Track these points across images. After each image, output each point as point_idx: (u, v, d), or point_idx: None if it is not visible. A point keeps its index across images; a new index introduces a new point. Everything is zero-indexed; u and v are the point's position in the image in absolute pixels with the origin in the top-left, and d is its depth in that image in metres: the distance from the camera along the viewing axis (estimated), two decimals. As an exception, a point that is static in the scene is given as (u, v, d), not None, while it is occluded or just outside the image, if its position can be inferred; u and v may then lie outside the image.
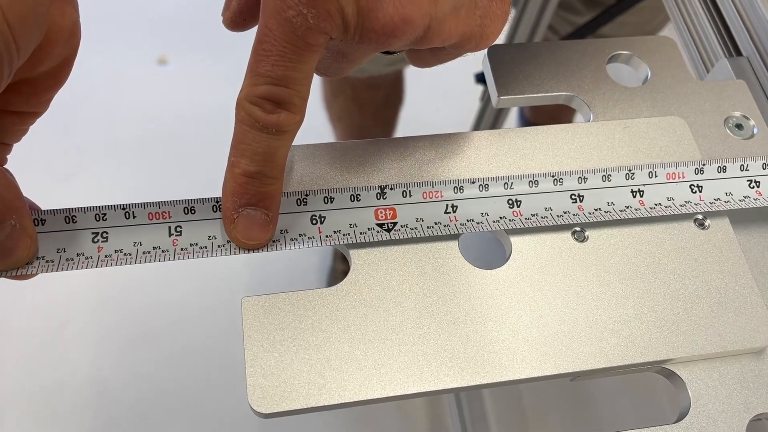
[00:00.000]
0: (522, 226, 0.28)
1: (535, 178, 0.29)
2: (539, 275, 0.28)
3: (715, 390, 0.27)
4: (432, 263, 0.27)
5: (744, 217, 0.30)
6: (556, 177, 0.29)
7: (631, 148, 0.31)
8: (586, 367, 0.26)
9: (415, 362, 0.25)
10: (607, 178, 0.29)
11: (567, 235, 0.28)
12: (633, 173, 0.29)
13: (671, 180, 0.29)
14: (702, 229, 0.29)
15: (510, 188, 0.28)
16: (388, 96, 0.92)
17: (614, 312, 0.27)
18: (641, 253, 0.28)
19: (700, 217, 0.29)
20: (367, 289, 0.27)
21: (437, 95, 1.28)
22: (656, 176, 0.29)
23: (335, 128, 1.00)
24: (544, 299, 0.27)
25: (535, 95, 0.33)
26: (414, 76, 0.97)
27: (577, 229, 0.29)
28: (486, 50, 0.34)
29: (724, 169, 0.30)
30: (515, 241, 0.28)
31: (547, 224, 0.28)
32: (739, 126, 0.33)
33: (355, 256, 0.27)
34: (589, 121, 0.33)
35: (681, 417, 0.26)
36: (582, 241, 0.28)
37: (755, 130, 0.33)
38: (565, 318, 0.27)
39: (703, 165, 0.30)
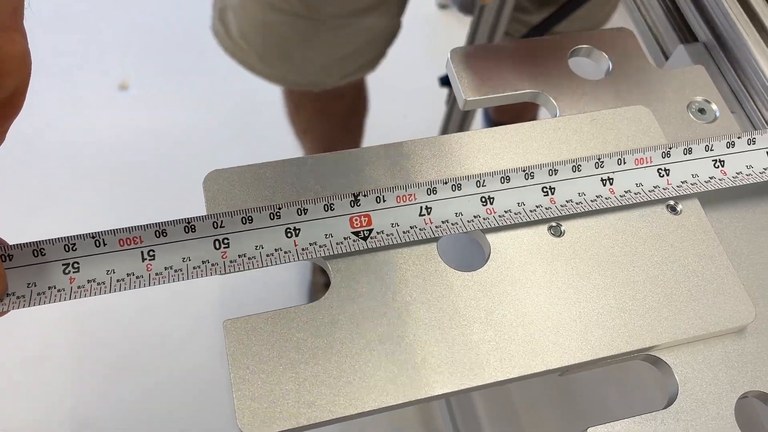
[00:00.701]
0: (496, 225, 0.28)
1: (506, 174, 0.29)
2: (520, 274, 0.28)
3: (701, 372, 0.27)
4: (412, 270, 0.27)
5: (714, 199, 0.31)
6: (527, 171, 0.29)
7: (600, 140, 0.31)
8: (573, 361, 0.26)
9: (404, 371, 0.25)
10: (577, 168, 0.29)
11: (544, 232, 0.29)
12: (602, 161, 0.29)
13: (640, 165, 0.30)
14: (674, 214, 0.30)
15: (482, 186, 0.28)
16: (352, 104, 0.92)
17: (596, 304, 0.27)
18: (618, 243, 0.29)
19: (671, 202, 0.30)
20: (350, 302, 0.26)
21: (403, 100, 1.28)
22: (625, 163, 0.30)
23: (302, 141, 0.99)
24: (527, 297, 0.27)
25: (502, 94, 0.33)
26: (378, 83, 0.97)
27: (553, 224, 0.29)
28: (449, 53, 0.34)
29: (689, 151, 0.30)
30: (493, 241, 0.28)
31: (520, 221, 0.28)
32: (701, 110, 0.34)
33: (335, 270, 0.27)
34: (555, 116, 0.33)
35: (670, 402, 0.26)
36: (559, 236, 0.29)
37: (717, 114, 0.34)
38: (549, 314, 0.27)
39: (670, 148, 0.30)
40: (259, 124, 1.25)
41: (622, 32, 0.36)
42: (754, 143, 0.30)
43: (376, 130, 1.05)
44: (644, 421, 0.26)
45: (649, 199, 0.29)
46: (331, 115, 0.91)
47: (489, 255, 0.28)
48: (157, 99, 1.29)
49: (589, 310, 0.27)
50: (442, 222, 0.28)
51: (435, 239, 0.28)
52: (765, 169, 0.30)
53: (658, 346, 0.27)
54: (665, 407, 0.26)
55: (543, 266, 0.28)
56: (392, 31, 0.73)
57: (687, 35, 0.40)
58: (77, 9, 1.38)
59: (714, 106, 0.34)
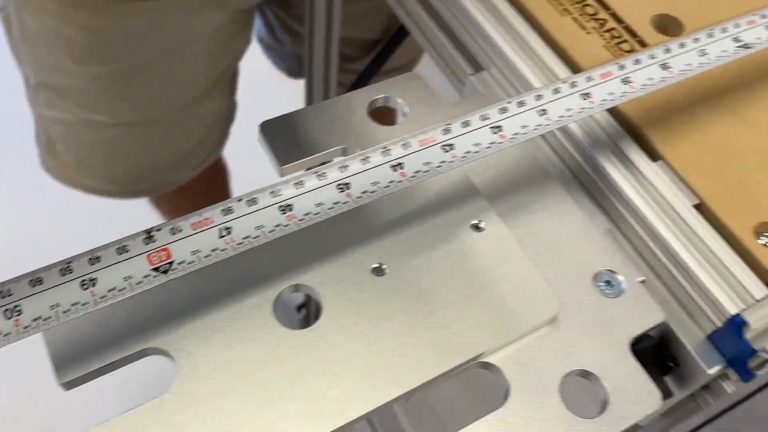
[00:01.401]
0: (297, 229, 0.29)
1: (299, 179, 0.30)
2: (353, 318, 0.30)
3: (525, 366, 0.30)
4: (254, 341, 0.29)
5: (511, 210, 0.35)
6: (318, 172, 0.30)
7: (405, 191, 0.34)
8: (411, 386, 0.28)
9: None
10: (366, 160, 0.30)
11: (367, 274, 0.31)
12: (389, 149, 0.31)
13: (424, 146, 0.31)
14: (478, 231, 0.33)
15: (278, 195, 0.29)
16: (211, 174, 0.92)
17: (424, 329, 0.30)
18: (435, 271, 0.32)
19: (475, 221, 0.34)
20: (203, 388, 0.28)
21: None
22: (411, 146, 0.31)
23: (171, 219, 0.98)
24: (363, 337, 0.30)
25: (313, 156, 0.36)
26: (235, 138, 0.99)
27: (375, 265, 0.32)
28: (258, 127, 0.37)
29: (467, 123, 0.32)
30: (323, 293, 0.31)
31: (320, 220, 0.29)
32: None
33: (180, 359, 0.28)
34: (365, 166, 0.36)
35: (505, 399, 0.30)
36: (381, 275, 0.31)
37: (505, 132, 0.38)
38: (383, 348, 0.29)
39: (449, 124, 0.32)
40: (132, 207, 1.22)
41: (411, 77, 0.40)
42: (524, 105, 0.33)
43: (242, 179, 1.05)
44: (486, 422, 0.29)
45: (438, 173, 0.31)
46: (193, 192, 0.91)
47: (322, 309, 0.30)
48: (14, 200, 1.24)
49: (420, 336, 0.30)
50: (244, 238, 0.28)
51: (271, 302, 0.30)
52: (538, 125, 0.33)
53: (484, 352, 0.30)
54: (502, 405, 0.30)
55: (372, 308, 0.31)
56: (230, 112, 0.75)
57: (474, 65, 0.45)
58: None
59: (501, 127, 0.38)
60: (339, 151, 0.37)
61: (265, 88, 1.42)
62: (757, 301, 0.33)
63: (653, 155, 0.37)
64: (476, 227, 0.33)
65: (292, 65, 0.85)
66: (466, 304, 0.31)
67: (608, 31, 0.43)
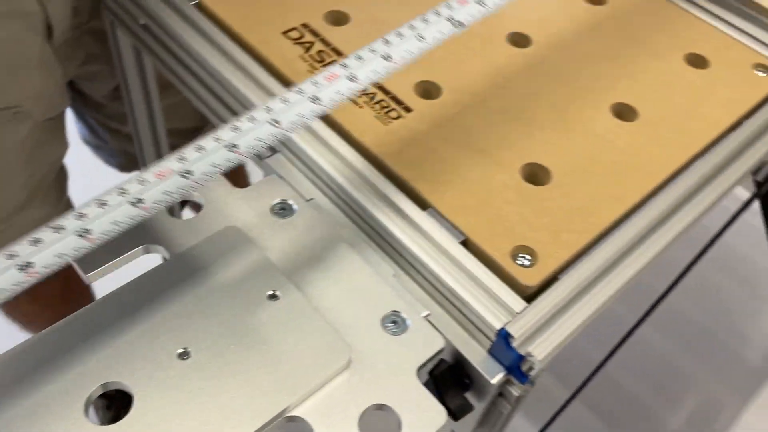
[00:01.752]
0: (37, 281, 0.30)
1: (34, 237, 0.31)
2: (165, 404, 0.33)
3: (327, 411, 0.34)
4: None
5: (302, 272, 0.39)
6: (53, 226, 0.31)
7: (204, 275, 0.38)
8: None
9: None
10: (102, 204, 0.32)
11: (174, 360, 0.34)
12: (125, 189, 0.32)
13: (161, 178, 0.33)
14: (275, 300, 0.37)
15: (15, 257, 0.30)
16: (65, 281, 0.91)
17: (232, 399, 0.33)
18: (237, 344, 0.35)
19: (270, 291, 0.38)
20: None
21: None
22: (147, 182, 0.32)
23: (29, 331, 0.95)
24: (175, 421, 0.32)
25: (117, 259, 0.39)
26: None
27: (180, 350, 0.35)
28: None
29: (201, 148, 0.34)
30: (134, 388, 0.33)
31: (64, 264, 0.30)
32: (283, 209, 0.43)
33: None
34: (167, 259, 0.39)
35: (313, 446, 0.33)
36: (187, 359, 0.35)
37: (296, 207, 0.43)
38: (198, 425, 0.32)
39: (184, 154, 0.34)
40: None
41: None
42: (255, 120, 0.35)
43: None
44: (295, 469, 0.32)
45: (178, 199, 0.33)
46: (47, 298, 0.89)
47: (132, 400, 0.33)
48: None
49: (230, 405, 0.33)
50: None
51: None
52: (271, 134, 0.35)
53: (288, 407, 0.34)
54: (308, 453, 0.33)
55: (181, 391, 0.33)
56: (61, 215, 0.75)
57: (271, 149, 0.50)
58: None
59: (291, 202, 0.43)
60: (141, 250, 0.40)
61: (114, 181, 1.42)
62: (518, 313, 0.39)
63: (423, 205, 0.43)
64: (273, 296, 0.37)
65: (122, 160, 0.87)
66: (268, 367, 0.35)
67: (378, 102, 0.49)
